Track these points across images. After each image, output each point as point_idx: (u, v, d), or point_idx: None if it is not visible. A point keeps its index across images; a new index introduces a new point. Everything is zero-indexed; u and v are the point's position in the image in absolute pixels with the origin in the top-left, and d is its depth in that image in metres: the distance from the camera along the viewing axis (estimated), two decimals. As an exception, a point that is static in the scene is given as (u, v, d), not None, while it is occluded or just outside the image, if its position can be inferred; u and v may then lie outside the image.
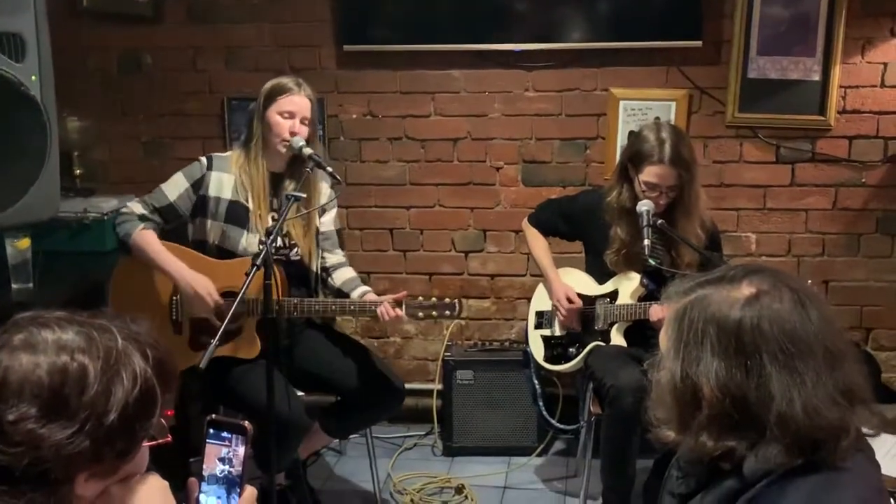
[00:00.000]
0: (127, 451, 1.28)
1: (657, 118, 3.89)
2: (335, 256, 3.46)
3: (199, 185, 3.23)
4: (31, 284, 3.28)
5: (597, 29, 4.05)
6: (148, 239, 3.16)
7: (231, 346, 3.19)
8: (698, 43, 3.96)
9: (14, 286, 3.26)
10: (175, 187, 3.23)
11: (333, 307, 3.27)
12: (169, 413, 1.43)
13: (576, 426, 3.93)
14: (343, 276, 3.41)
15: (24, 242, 3.27)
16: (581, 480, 3.60)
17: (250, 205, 3.22)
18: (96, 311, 1.35)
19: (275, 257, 3.14)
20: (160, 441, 1.37)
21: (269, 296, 2.88)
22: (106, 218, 3.85)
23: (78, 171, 4.16)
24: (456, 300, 3.18)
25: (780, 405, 1.40)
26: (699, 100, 4.08)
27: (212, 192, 3.22)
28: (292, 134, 3.18)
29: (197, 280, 3.12)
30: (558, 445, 4.27)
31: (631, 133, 3.64)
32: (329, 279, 3.42)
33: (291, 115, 3.19)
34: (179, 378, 1.38)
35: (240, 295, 2.81)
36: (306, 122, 3.22)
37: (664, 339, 1.55)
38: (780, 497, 1.40)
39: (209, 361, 2.68)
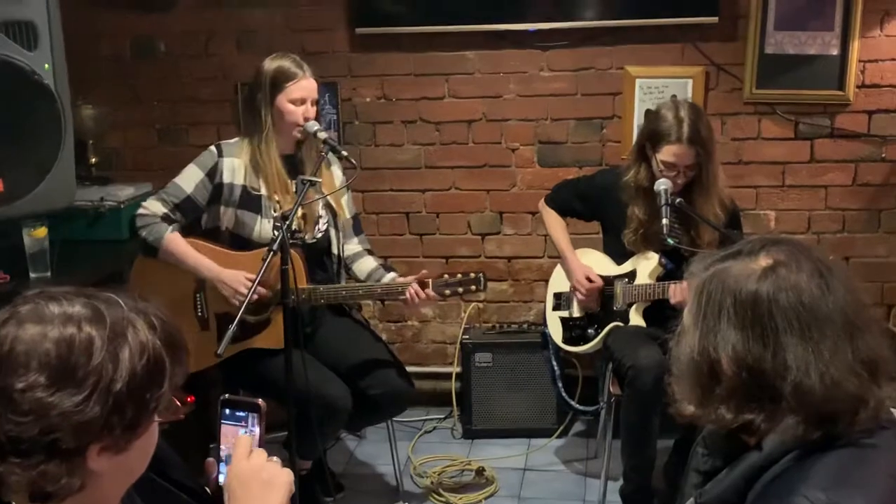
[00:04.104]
0: (137, 421, 1.28)
1: (674, 96, 3.85)
2: (353, 245, 3.46)
3: (213, 173, 3.22)
4: (48, 273, 3.28)
5: (611, 7, 4.01)
6: (177, 242, 3.17)
7: (260, 337, 3.19)
8: (714, 19, 3.91)
9: (32, 275, 3.27)
10: (190, 179, 3.22)
11: (360, 291, 3.27)
12: (190, 399, 1.42)
13: (595, 407, 3.92)
14: (365, 267, 3.42)
15: (41, 231, 3.27)
16: (602, 461, 3.59)
17: (262, 191, 3.22)
18: (103, 288, 1.35)
19: (291, 241, 3.08)
20: (172, 419, 1.37)
21: (286, 282, 2.88)
22: (122, 206, 3.85)
23: (93, 160, 4.16)
24: (480, 273, 3.20)
25: (796, 376, 1.40)
26: (716, 76, 4.03)
27: (226, 178, 3.21)
28: (306, 119, 3.18)
29: (229, 275, 3.13)
30: (578, 427, 4.25)
31: (648, 111, 3.61)
32: (350, 270, 3.44)
33: (302, 101, 3.19)
34: (189, 353, 1.38)
35: (255, 280, 2.82)
36: (314, 102, 3.24)
37: (685, 314, 1.55)
38: (805, 473, 1.39)
39: (233, 352, 2.69)
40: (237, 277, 3.13)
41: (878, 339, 1.47)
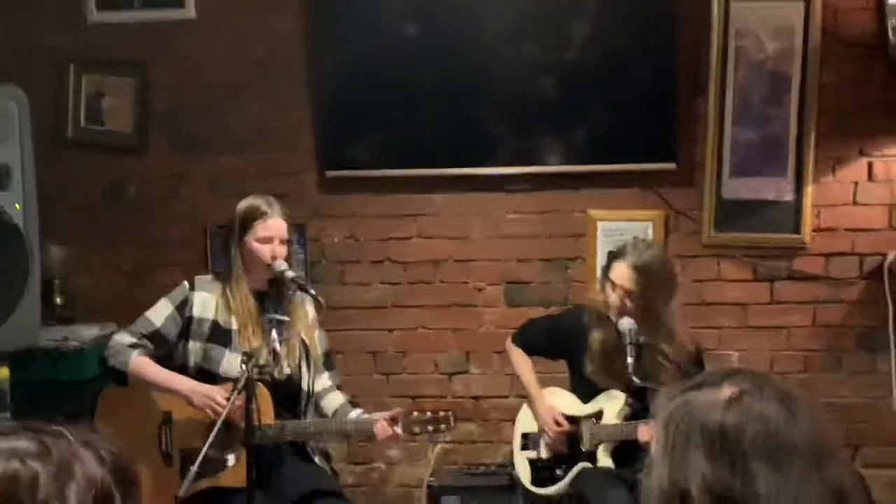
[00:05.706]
0: None
1: (635, 237, 3.94)
2: (323, 380, 3.43)
3: (183, 307, 3.23)
4: (8, 415, 3.23)
5: (575, 153, 4.16)
6: (144, 364, 3.15)
7: (225, 475, 3.11)
8: (672, 165, 4.06)
9: (-9, 417, 3.22)
10: (160, 313, 3.22)
11: (330, 427, 3.24)
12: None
13: (566, 551, 3.83)
14: (332, 404, 3.38)
15: (2, 373, 3.23)
16: None
17: (233, 326, 3.21)
18: (54, 422, 1.34)
19: (258, 378, 3.05)
20: None
21: (251, 419, 2.84)
22: (85, 347, 3.82)
23: (58, 300, 4.15)
24: (450, 412, 3.17)
25: (767, 503, 1.40)
26: (675, 220, 4.15)
27: (196, 312, 3.21)
28: (274, 258, 3.20)
29: (203, 387, 3.09)
30: (548, 573, 4.14)
31: (610, 251, 3.69)
32: (319, 404, 3.40)
33: (269, 240, 3.22)
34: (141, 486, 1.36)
35: (219, 421, 2.79)
36: (284, 242, 3.25)
37: (653, 446, 1.55)
38: None
39: (194, 490, 2.62)
40: (212, 390, 3.09)
41: (843, 469, 1.48)
